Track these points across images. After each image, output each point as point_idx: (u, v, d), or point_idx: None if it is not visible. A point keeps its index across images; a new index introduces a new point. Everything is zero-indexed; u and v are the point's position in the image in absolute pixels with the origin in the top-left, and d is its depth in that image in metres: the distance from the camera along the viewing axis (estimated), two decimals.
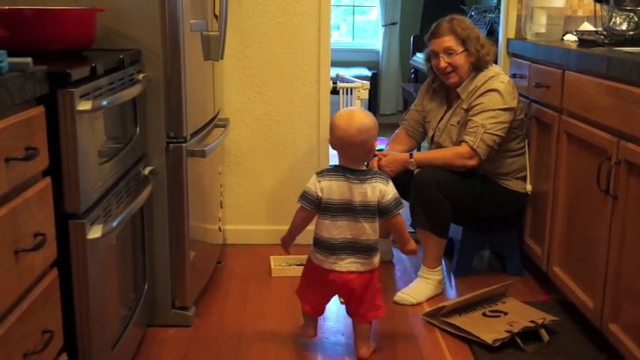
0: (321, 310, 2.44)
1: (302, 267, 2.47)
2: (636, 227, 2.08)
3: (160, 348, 2.42)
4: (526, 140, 3.02)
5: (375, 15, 7.37)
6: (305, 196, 2.31)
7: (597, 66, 2.35)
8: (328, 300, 2.43)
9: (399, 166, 2.90)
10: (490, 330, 2.45)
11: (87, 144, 1.78)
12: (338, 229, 2.29)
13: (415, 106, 3.21)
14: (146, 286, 2.40)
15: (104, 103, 1.82)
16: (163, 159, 2.41)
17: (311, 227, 2.38)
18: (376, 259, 2.34)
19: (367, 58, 7.18)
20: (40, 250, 1.44)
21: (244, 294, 2.89)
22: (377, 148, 3.17)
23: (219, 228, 3.17)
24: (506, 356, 2.36)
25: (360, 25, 7.58)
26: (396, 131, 3.25)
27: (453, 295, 2.89)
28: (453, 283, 3.03)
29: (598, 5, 3.03)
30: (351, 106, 3.51)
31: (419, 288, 2.85)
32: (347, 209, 2.28)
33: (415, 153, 3.04)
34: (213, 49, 2.70)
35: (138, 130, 2.27)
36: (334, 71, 3.64)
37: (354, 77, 3.73)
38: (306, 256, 2.42)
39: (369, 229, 2.29)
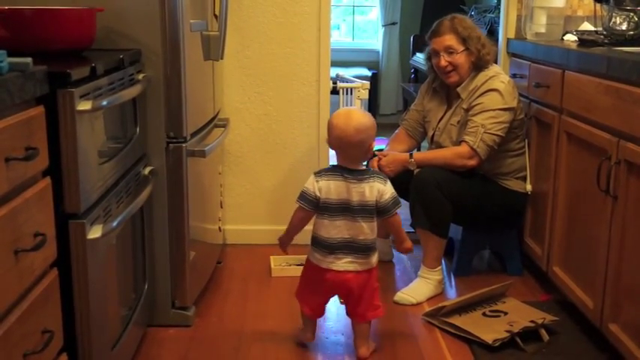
0: (320, 312, 2.44)
1: (302, 267, 2.47)
2: (636, 227, 2.08)
3: (160, 348, 2.42)
4: (526, 140, 3.02)
5: (374, 15, 7.37)
6: (303, 196, 2.31)
7: (597, 66, 2.35)
8: (327, 301, 2.43)
9: (399, 166, 2.90)
10: (490, 330, 2.45)
11: (87, 144, 1.78)
12: (336, 229, 2.29)
13: (415, 105, 3.21)
14: (146, 286, 2.40)
15: (104, 103, 1.82)
16: (163, 159, 2.41)
17: (310, 227, 2.38)
18: (374, 259, 2.34)
19: (367, 58, 7.18)
20: (40, 250, 1.44)
21: (244, 294, 2.89)
22: (377, 148, 3.18)
23: (219, 228, 3.17)
24: (506, 356, 2.36)
25: (360, 25, 7.58)
26: (396, 131, 3.25)
27: (453, 295, 2.89)
28: (453, 283, 3.03)
29: (598, 5, 3.03)
30: (351, 106, 3.51)
31: (419, 288, 2.85)
32: (345, 209, 2.28)
33: (415, 153, 3.04)
34: (213, 49, 2.70)
35: (138, 130, 2.27)
36: (334, 71, 3.64)
37: (354, 77, 3.73)
38: (306, 256, 2.42)
39: (366, 229, 2.29)
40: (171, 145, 2.42)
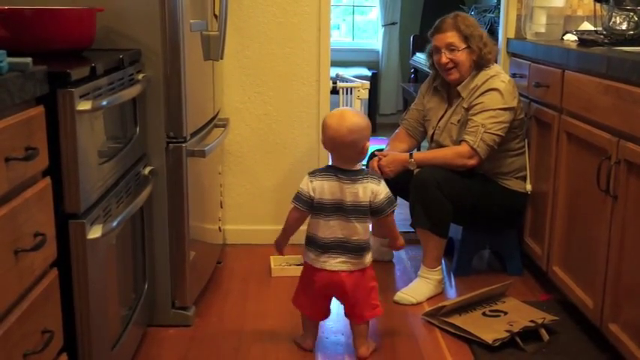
0: (320, 314, 2.43)
1: (302, 267, 2.46)
2: (636, 227, 2.08)
3: (160, 348, 2.42)
4: (526, 140, 3.02)
5: (374, 15, 7.37)
6: (298, 197, 2.32)
7: (597, 66, 2.35)
8: (324, 302, 2.40)
9: (399, 166, 2.90)
10: (490, 330, 2.45)
11: (87, 144, 1.78)
12: (330, 229, 2.29)
13: (415, 105, 3.20)
14: (146, 286, 2.40)
15: (104, 103, 1.82)
16: (163, 159, 2.41)
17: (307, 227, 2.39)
18: (367, 259, 2.34)
19: (367, 58, 7.18)
20: (40, 250, 1.44)
21: (244, 294, 2.89)
22: (377, 148, 3.18)
23: (219, 228, 3.17)
24: (506, 356, 2.36)
25: (360, 25, 7.58)
26: (396, 131, 3.25)
27: (452, 295, 2.89)
28: (453, 282, 3.03)
29: (598, 5, 3.03)
30: (351, 105, 3.51)
31: (419, 288, 2.85)
32: (338, 209, 2.29)
33: (415, 153, 3.04)
34: (213, 49, 2.70)
35: (138, 130, 2.27)
36: (334, 71, 3.64)
37: (353, 77, 3.73)
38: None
39: (360, 229, 2.29)
40: (171, 145, 2.42)
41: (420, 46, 6.32)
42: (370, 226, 2.38)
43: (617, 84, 2.19)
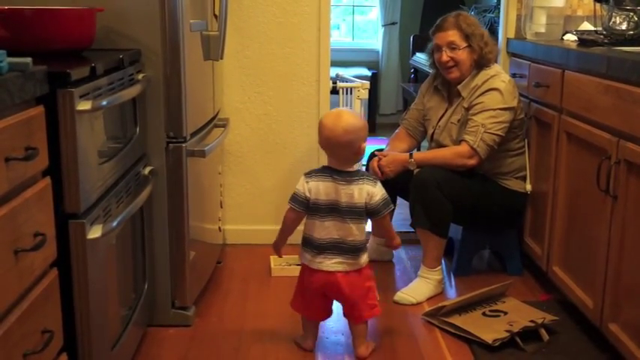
0: (318, 314, 2.43)
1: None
2: (636, 227, 2.08)
3: (160, 348, 2.42)
4: (526, 140, 3.02)
5: (374, 15, 7.37)
6: (294, 198, 2.32)
7: (597, 66, 2.35)
8: (322, 303, 2.39)
9: (399, 166, 2.90)
10: (490, 330, 2.45)
11: (87, 144, 1.78)
12: (325, 230, 2.29)
13: (415, 105, 3.20)
14: (146, 286, 2.40)
15: (104, 103, 1.82)
16: (163, 159, 2.41)
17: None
18: (363, 259, 2.34)
19: (367, 58, 7.18)
20: (40, 250, 1.44)
21: (244, 294, 2.89)
22: (377, 148, 3.18)
23: (219, 228, 3.17)
24: (506, 356, 2.36)
25: (360, 25, 7.58)
26: (397, 131, 3.25)
27: (452, 295, 2.89)
28: (453, 282, 3.03)
29: (598, 5, 3.03)
30: (351, 106, 3.51)
31: (419, 288, 2.85)
32: (333, 210, 2.29)
33: (415, 153, 3.03)
34: (213, 48, 2.70)
35: (138, 130, 2.27)
36: (334, 71, 3.64)
37: (353, 77, 3.73)
38: None
39: (355, 230, 2.29)
40: (171, 145, 2.42)
41: (419, 46, 6.32)
42: (369, 226, 2.38)
43: (617, 84, 2.19)
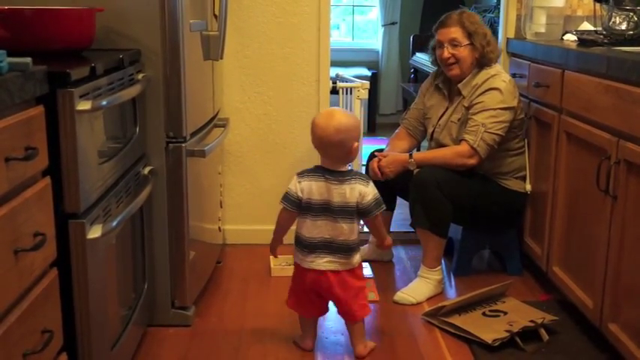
0: (314, 311, 2.42)
1: None
2: (636, 227, 2.08)
3: (160, 348, 2.42)
4: (526, 140, 3.02)
5: (374, 15, 7.36)
6: (287, 197, 2.33)
7: (597, 65, 2.35)
8: (316, 300, 2.39)
9: (399, 166, 2.90)
10: (490, 330, 2.45)
11: (86, 144, 1.78)
12: (317, 229, 2.30)
13: (416, 104, 3.20)
14: (146, 286, 2.40)
15: (104, 103, 1.82)
16: (163, 159, 2.41)
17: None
18: (355, 259, 2.34)
19: (367, 58, 7.18)
20: (39, 249, 1.44)
21: (244, 294, 2.89)
22: (377, 149, 3.18)
23: (219, 228, 3.17)
24: (505, 356, 2.36)
25: (360, 25, 7.58)
26: (397, 130, 3.25)
27: (452, 295, 2.89)
28: (453, 282, 3.03)
29: (597, 5, 3.03)
30: (351, 106, 3.51)
31: (419, 288, 2.85)
32: (326, 209, 2.29)
33: (415, 153, 3.03)
34: (212, 48, 2.70)
35: (137, 129, 2.27)
36: (334, 71, 3.64)
37: (353, 77, 3.73)
38: None
39: (347, 230, 2.29)
40: (170, 144, 2.42)
41: (419, 46, 6.33)
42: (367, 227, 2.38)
43: (616, 84, 2.19)
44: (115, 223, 1.87)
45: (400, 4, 7.05)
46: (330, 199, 2.28)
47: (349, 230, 2.30)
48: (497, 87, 2.85)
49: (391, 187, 2.98)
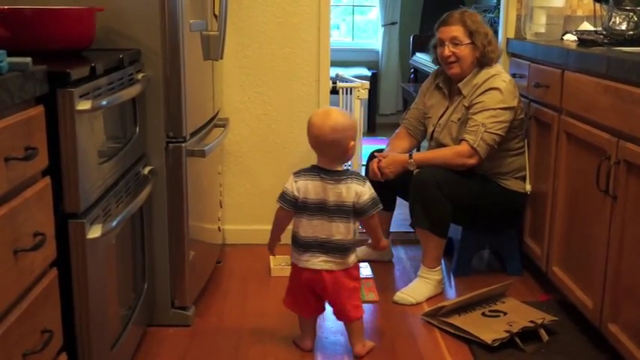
0: (310, 310, 2.42)
1: None
2: (635, 227, 2.08)
3: (160, 347, 2.42)
4: (525, 140, 3.02)
5: (374, 15, 7.37)
6: (283, 197, 2.33)
7: (597, 66, 2.35)
8: (312, 299, 2.38)
9: (399, 167, 2.90)
10: (489, 330, 2.45)
11: (86, 144, 1.78)
12: (313, 228, 2.30)
13: (416, 104, 3.20)
14: (145, 286, 2.40)
15: (103, 102, 1.82)
16: (163, 159, 2.42)
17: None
18: (350, 259, 2.33)
19: (367, 58, 7.18)
20: (39, 249, 1.44)
21: (244, 294, 2.89)
22: (377, 149, 3.18)
23: (219, 228, 3.17)
24: (505, 356, 2.36)
25: (360, 25, 7.58)
26: (397, 130, 3.25)
27: (452, 295, 2.89)
28: (453, 283, 3.03)
29: (597, 5, 3.03)
30: (351, 106, 3.51)
31: (418, 288, 2.85)
32: (321, 209, 2.29)
33: (415, 153, 3.03)
34: (212, 48, 2.70)
35: (137, 129, 2.27)
36: (334, 71, 3.64)
37: (353, 77, 3.73)
38: None
39: (343, 229, 2.29)
40: (170, 144, 2.42)
41: (419, 46, 6.33)
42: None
43: (616, 84, 2.19)
44: (114, 223, 1.87)
45: (400, 4, 7.05)
46: (325, 198, 2.28)
47: (346, 230, 2.30)
48: (498, 87, 2.85)
49: (391, 187, 2.98)
